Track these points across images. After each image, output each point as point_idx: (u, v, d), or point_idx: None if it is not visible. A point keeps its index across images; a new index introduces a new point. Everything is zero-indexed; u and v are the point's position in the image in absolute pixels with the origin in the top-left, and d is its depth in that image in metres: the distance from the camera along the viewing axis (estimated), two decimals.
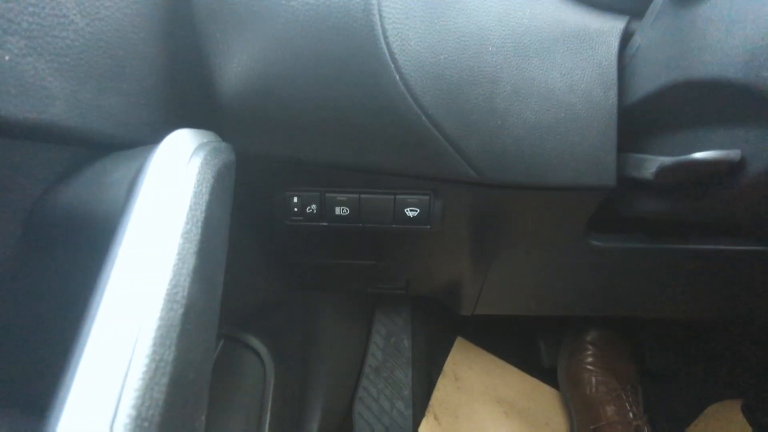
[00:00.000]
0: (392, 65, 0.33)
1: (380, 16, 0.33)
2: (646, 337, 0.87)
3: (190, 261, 0.22)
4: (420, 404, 0.86)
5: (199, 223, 0.23)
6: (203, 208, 0.24)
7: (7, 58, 0.20)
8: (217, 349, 0.49)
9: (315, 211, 0.43)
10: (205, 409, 0.22)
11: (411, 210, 0.42)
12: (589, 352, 0.80)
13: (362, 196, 0.42)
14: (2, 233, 0.24)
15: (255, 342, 0.52)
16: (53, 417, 0.17)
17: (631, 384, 0.78)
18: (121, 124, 0.28)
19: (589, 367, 0.79)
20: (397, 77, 0.33)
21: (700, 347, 0.87)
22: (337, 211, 0.42)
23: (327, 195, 0.42)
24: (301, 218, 0.43)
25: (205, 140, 0.28)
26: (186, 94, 0.35)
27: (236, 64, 0.33)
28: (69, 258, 0.24)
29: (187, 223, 0.23)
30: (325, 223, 0.43)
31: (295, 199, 0.42)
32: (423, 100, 0.34)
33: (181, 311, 0.20)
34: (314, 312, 0.74)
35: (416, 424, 0.83)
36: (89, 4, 0.25)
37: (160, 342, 0.19)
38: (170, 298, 0.20)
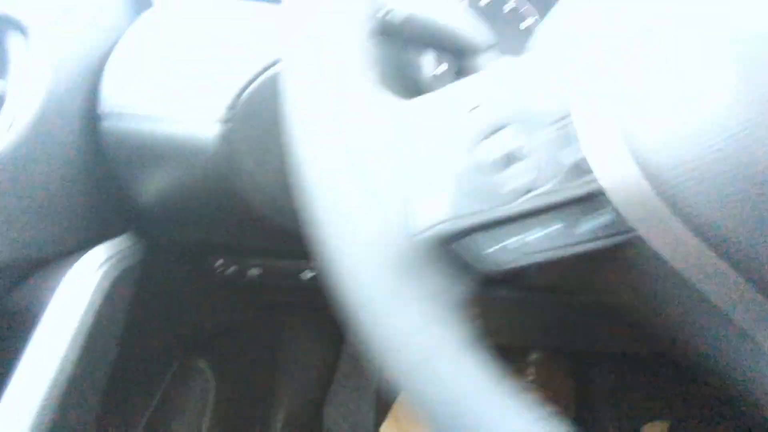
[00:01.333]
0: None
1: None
2: (587, 356, 0.92)
3: (74, 353, 0.34)
4: (385, 408, 0.96)
5: (88, 325, 0.35)
6: (94, 314, 0.36)
7: None
8: (167, 374, 0.61)
9: (233, 272, 0.54)
10: None
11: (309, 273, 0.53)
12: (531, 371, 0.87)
13: (270, 263, 0.53)
14: None
15: (202, 363, 0.64)
16: None
17: (565, 404, 0.84)
18: (48, 247, 0.39)
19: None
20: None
21: (640, 366, 0.91)
22: (251, 272, 0.53)
23: (242, 259, 0.53)
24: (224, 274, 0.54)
25: (112, 253, 0.39)
26: (108, 211, 0.43)
27: (145, 195, 0.41)
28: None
29: (79, 324, 0.35)
30: (242, 280, 0.54)
31: (219, 263, 0.54)
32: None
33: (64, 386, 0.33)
34: (280, 328, 0.86)
35: (378, 424, 0.94)
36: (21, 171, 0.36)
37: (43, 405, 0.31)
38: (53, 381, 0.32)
